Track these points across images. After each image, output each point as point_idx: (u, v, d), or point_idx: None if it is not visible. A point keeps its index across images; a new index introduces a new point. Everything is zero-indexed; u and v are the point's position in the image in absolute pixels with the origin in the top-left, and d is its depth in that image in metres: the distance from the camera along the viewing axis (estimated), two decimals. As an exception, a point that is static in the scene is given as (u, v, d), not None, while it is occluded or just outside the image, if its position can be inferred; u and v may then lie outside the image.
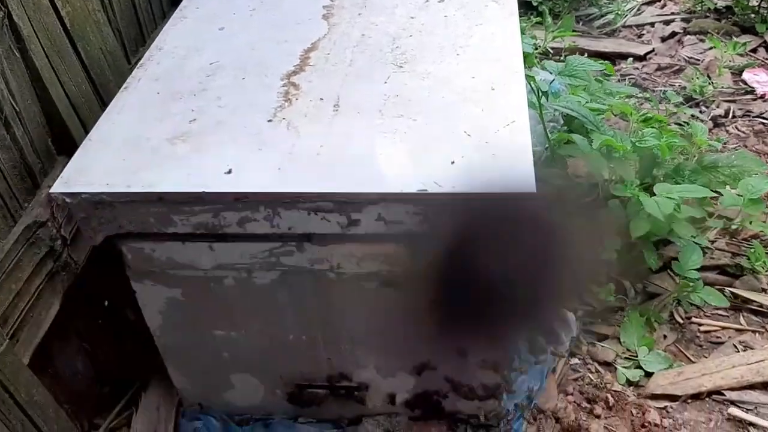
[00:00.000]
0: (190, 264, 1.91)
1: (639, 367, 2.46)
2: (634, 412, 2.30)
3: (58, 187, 1.76)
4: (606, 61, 3.27)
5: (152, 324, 2.09)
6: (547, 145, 2.92)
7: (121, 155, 1.85)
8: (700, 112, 3.76)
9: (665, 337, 2.60)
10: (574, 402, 2.34)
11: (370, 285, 1.92)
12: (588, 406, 2.32)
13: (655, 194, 2.48)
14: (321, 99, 1.95)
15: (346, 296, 1.95)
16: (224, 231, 1.81)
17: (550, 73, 2.97)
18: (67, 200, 1.75)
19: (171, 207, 1.78)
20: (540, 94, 2.63)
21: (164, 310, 2.04)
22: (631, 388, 2.40)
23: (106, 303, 2.34)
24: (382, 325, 2.02)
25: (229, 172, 1.76)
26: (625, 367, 2.45)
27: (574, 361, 2.50)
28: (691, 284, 2.51)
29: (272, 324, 2.06)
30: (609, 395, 2.34)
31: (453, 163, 1.72)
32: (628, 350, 2.52)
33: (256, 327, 2.07)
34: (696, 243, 2.59)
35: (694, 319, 2.67)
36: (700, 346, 2.58)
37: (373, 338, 2.06)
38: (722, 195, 2.72)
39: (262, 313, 2.03)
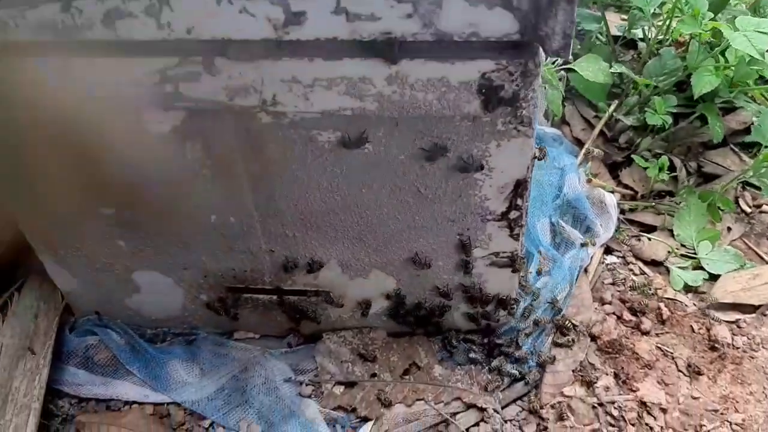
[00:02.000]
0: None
1: (700, 267, 1.81)
2: (695, 327, 1.68)
3: None
4: None
5: None
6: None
7: None
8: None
9: (729, 229, 1.96)
10: (614, 314, 1.71)
11: (327, 137, 1.22)
12: (633, 319, 1.69)
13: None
14: None
15: (290, 155, 1.26)
16: (81, 37, 1.09)
17: None
18: None
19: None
20: None
21: (19, 176, 1.34)
22: (690, 295, 1.77)
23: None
24: (347, 201, 1.34)
25: (79, -77, 1.02)
26: (681, 268, 1.80)
27: (612, 259, 1.86)
28: (775, 158, 1.83)
29: (182, 198, 1.36)
30: (661, 305, 1.71)
31: None
32: (684, 246, 1.87)
33: (157, 202, 1.38)
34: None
35: (765, 207, 2.01)
36: (775, 241, 1.94)
37: (334, 221, 1.39)
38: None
39: (163, 180, 1.33)
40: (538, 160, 1.20)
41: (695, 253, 1.84)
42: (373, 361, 1.61)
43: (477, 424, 1.50)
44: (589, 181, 1.87)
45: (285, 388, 1.60)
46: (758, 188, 2.08)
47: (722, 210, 1.93)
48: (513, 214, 1.35)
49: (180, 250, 1.49)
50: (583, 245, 1.77)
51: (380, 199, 1.34)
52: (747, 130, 2.20)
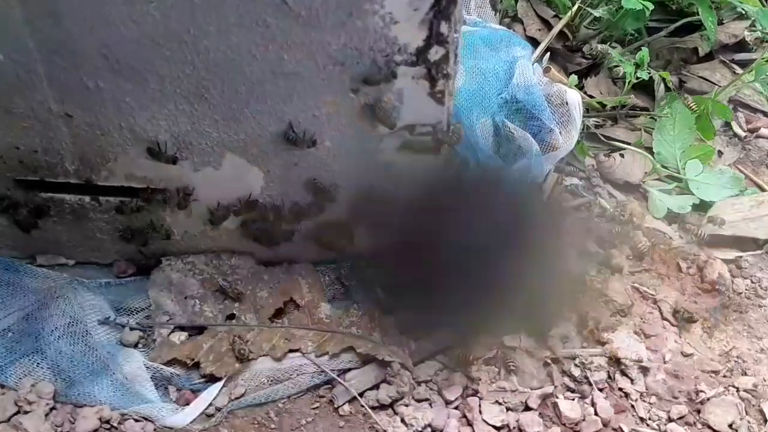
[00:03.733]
0: None
1: (687, 191, 1.37)
2: (683, 265, 1.24)
3: None
4: None
5: None
6: None
7: None
8: None
9: (720, 154, 1.53)
10: (575, 245, 1.24)
11: None
12: (600, 251, 1.23)
13: None
14: None
15: None
16: None
17: None
18: None
19: None
20: None
21: None
22: (675, 226, 1.32)
23: None
24: (171, 22, 0.84)
25: None
26: (663, 192, 1.36)
27: (573, 181, 1.40)
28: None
29: None
30: (639, 234, 1.25)
31: None
32: (666, 167, 1.42)
33: None
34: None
35: (763, 131, 1.59)
36: (774, 168, 1.52)
37: (155, 60, 0.88)
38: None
39: None
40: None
41: (680, 175, 1.40)
42: (237, 298, 1.10)
43: (376, 387, 1.02)
44: (547, 70, 1.40)
45: (100, 334, 1.09)
46: (753, 110, 1.66)
47: (721, 122, 1.50)
48: (435, 53, 0.87)
49: (-72, 112, 0.96)
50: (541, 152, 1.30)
51: (223, 18, 0.84)
52: (738, 46, 1.79)
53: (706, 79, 1.69)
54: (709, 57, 1.76)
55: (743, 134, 1.60)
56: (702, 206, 1.35)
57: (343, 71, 0.89)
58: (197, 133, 0.97)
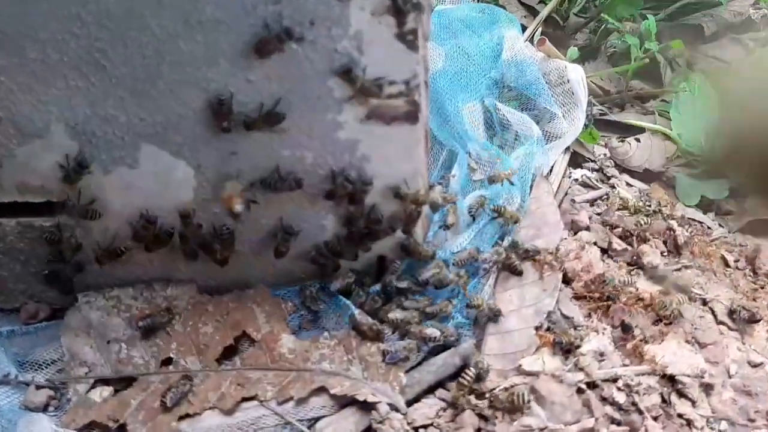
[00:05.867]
0: None
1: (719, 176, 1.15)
2: (730, 258, 1.01)
3: None
4: None
5: None
6: None
7: None
8: None
9: (748, 136, 1.30)
10: (596, 243, 1.02)
11: None
12: (628, 248, 1.01)
13: None
14: None
15: None
16: None
17: None
18: None
19: None
20: None
21: None
22: (712, 214, 1.09)
23: None
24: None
25: None
26: (692, 177, 1.14)
27: (582, 172, 1.17)
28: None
29: None
30: (674, 224, 1.02)
31: None
32: (690, 153, 1.21)
33: None
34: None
35: (791, 108, 1.38)
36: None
37: (32, 15, 0.66)
38: None
39: None
40: None
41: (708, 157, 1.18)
42: (168, 320, 0.86)
43: (359, 437, 0.76)
44: (541, 42, 1.19)
45: (-1, 396, 0.84)
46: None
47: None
48: (398, -24, 0.65)
49: None
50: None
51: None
52: (745, 25, 1.61)
53: (718, 58, 1.49)
54: (714, 38, 1.58)
55: (770, 113, 1.39)
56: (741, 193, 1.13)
57: (279, 12, 0.67)
58: (100, 119, 0.74)
